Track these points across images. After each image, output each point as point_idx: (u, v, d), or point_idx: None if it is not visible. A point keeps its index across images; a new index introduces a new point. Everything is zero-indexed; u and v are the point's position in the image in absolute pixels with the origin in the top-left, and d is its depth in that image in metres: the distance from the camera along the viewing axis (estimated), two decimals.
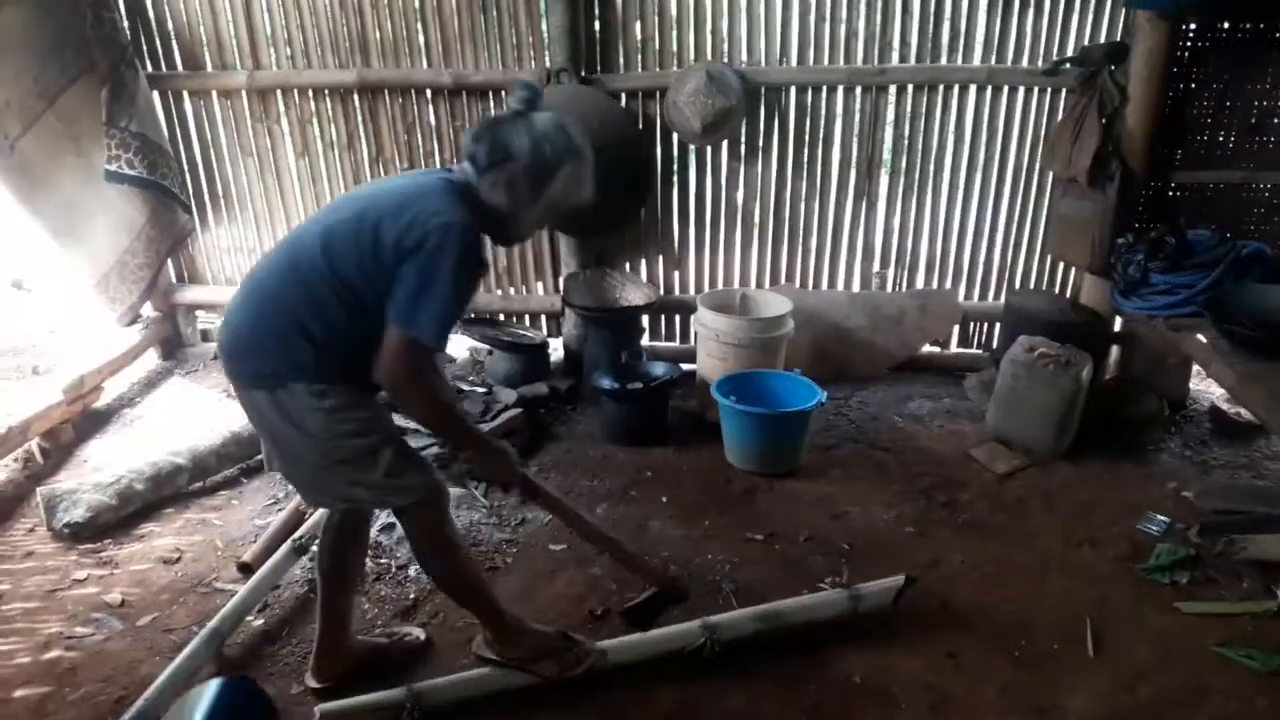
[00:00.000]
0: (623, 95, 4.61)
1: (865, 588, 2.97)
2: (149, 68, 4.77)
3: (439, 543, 2.48)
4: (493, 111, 4.71)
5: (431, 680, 2.61)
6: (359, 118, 4.82)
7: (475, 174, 2.25)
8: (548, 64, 4.54)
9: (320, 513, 3.48)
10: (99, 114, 4.44)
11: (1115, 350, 4.58)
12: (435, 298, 2.10)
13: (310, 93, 4.81)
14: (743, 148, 4.71)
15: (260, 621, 3.05)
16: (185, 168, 4.99)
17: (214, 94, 4.86)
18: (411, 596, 3.14)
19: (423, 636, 2.90)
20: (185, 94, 4.90)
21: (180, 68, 4.84)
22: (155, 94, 4.78)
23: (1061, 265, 4.81)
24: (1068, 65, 4.21)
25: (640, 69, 4.60)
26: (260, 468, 4.12)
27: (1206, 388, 4.64)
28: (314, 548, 3.33)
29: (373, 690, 2.54)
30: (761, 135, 4.68)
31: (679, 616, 2.91)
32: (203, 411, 4.52)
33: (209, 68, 4.82)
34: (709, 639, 2.73)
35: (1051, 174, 4.54)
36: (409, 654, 2.83)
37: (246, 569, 3.24)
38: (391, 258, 2.12)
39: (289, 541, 3.31)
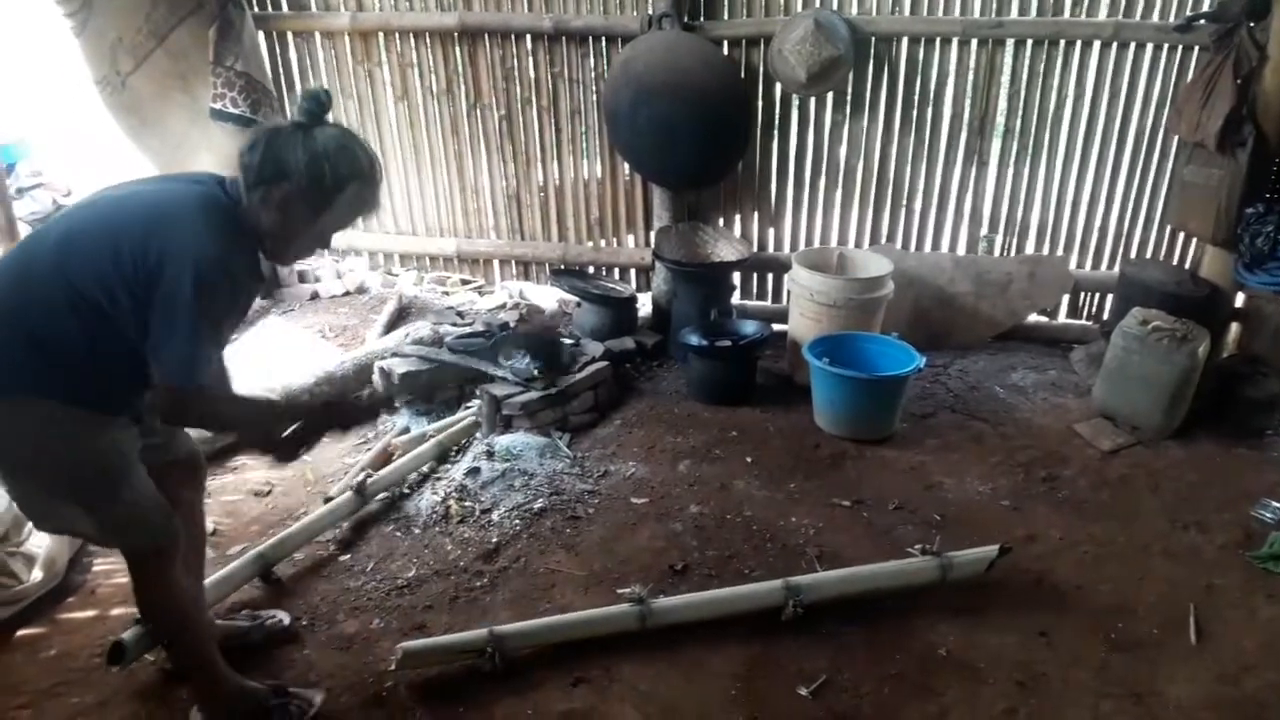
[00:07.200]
0: (725, 43, 4.50)
1: (956, 555, 2.88)
2: (255, 7, 4.82)
3: (162, 594, 2.23)
4: (591, 59, 4.65)
5: (513, 624, 2.61)
6: (458, 63, 4.81)
7: (245, 188, 2.02)
8: (650, 9, 4.45)
9: (405, 458, 3.53)
10: (206, 52, 4.51)
11: (1235, 327, 4.35)
12: (181, 341, 1.93)
13: (411, 36, 4.81)
14: (848, 101, 4.55)
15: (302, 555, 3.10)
16: (287, 109, 5.04)
17: (317, 35, 4.90)
18: (494, 541, 3.15)
19: (287, 621, 2.74)
20: (289, 35, 4.95)
21: (285, 8, 4.90)
22: (260, 34, 4.83)
23: (1182, 236, 4.57)
24: (1203, 21, 3.98)
25: (745, 15, 4.48)
26: None
27: None
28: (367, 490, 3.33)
29: None
30: (869, 88, 4.51)
31: (760, 577, 2.88)
32: (297, 351, 4.60)
33: (313, 8, 4.87)
34: (791, 600, 2.68)
35: (1176, 138, 4.29)
36: (269, 637, 2.68)
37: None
38: (132, 274, 1.92)
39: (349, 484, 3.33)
